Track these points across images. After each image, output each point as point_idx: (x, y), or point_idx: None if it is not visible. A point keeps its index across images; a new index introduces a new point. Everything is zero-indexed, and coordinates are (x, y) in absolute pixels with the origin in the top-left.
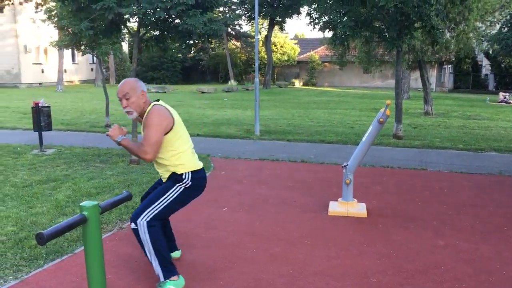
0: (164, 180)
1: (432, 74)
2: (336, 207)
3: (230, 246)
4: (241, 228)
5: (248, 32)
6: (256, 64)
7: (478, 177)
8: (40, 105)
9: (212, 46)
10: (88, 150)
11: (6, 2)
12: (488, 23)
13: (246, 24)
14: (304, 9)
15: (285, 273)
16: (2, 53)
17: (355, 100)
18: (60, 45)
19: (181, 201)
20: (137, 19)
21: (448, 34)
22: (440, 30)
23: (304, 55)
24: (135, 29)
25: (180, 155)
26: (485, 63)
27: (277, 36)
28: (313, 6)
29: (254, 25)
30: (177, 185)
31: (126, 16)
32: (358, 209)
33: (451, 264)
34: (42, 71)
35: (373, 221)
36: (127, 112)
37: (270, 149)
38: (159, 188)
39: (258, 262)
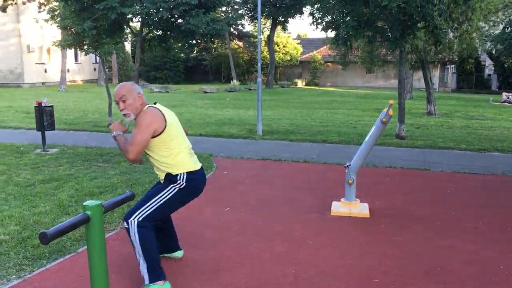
0: (161, 181)
1: (435, 74)
2: (338, 207)
3: (233, 246)
4: (244, 228)
5: (250, 32)
6: (259, 64)
7: (481, 178)
8: (43, 104)
9: (215, 46)
10: (90, 149)
11: (10, 2)
12: (491, 23)
13: (248, 24)
14: (307, 9)
15: (288, 273)
16: (5, 53)
17: (357, 100)
18: (63, 44)
19: (176, 202)
20: (140, 19)
21: (451, 34)
22: (443, 30)
23: (307, 55)
24: (138, 29)
25: (175, 155)
26: (488, 63)
27: (280, 36)
28: (316, 6)
29: (256, 25)
30: (171, 186)
31: (129, 16)
32: (361, 209)
33: (454, 265)
34: (45, 71)
35: (376, 221)
36: (124, 114)
37: (273, 149)
38: (153, 188)
39: (261, 262)
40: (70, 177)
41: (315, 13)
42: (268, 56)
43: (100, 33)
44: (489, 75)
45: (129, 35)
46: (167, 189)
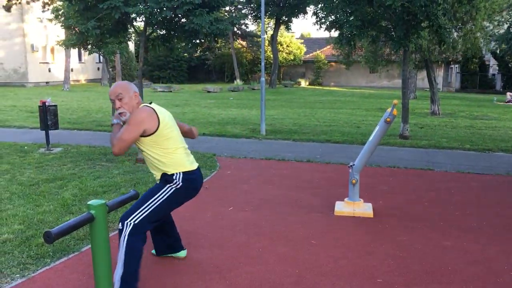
0: (157, 181)
1: (439, 74)
2: (342, 207)
3: (237, 246)
4: (247, 228)
5: (254, 32)
6: (262, 64)
7: (485, 178)
8: (47, 104)
9: (218, 45)
10: (94, 149)
11: (14, 2)
12: (495, 23)
13: (252, 24)
14: (311, 9)
15: (291, 273)
16: (9, 52)
17: (361, 100)
18: (67, 44)
19: (172, 202)
20: (144, 19)
21: (455, 34)
22: (447, 30)
23: (310, 54)
24: (142, 29)
25: (170, 154)
26: (493, 62)
27: (283, 36)
28: (320, 6)
29: (260, 24)
30: (167, 186)
31: (133, 15)
32: (365, 209)
33: (458, 265)
34: (49, 70)
35: (379, 221)
36: (120, 113)
37: (276, 148)
38: (150, 189)
39: (265, 262)
40: (74, 176)
41: (319, 12)
42: (271, 55)
43: (103, 33)
44: (493, 75)
45: (133, 34)
46: (164, 189)
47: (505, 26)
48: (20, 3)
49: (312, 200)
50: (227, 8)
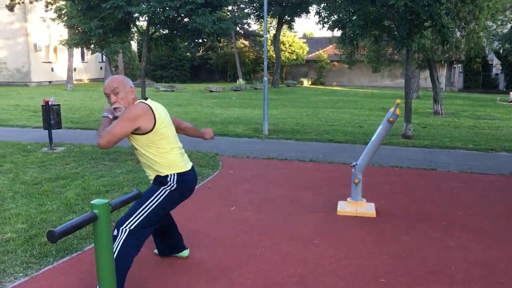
0: (150, 180)
1: (442, 74)
2: (345, 207)
3: (239, 245)
4: (250, 227)
5: (256, 31)
6: (265, 63)
7: (488, 178)
8: (50, 103)
9: (221, 45)
10: (97, 148)
11: (17, 1)
12: (499, 22)
13: (254, 23)
14: (313, 8)
15: (294, 273)
16: (12, 52)
17: (363, 100)
18: (70, 44)
19: (168, 204)
20: (147, 18)
21: (458, 33)
22: (450, 29)
23: (313, 54)
24: (144, 28)
25: (164, 154)
26: (496, 62)
27: (286, 35)
28: (322, 5)
29: (262, 24)
30: (162, 188)
31: (136, 15)
32: (367, 209)
33: (461, 265)
34: (52, 70)
35: (382, 221)
36: (115, 108)
37: (279, 148)
38: (144, 192)
39: (268, 261)
40: (76, 176)
41: (322, 12)
42: (274, 55)
43: (106, 32)
44: (497, 74)
45: (136, 34)
46: (158, 192)
47: (509, 25)
48: (23, 2)
49: (314, 200)
50: (230, 8)
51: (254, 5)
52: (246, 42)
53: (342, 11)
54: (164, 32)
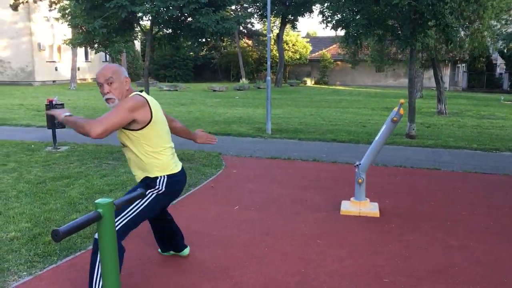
0: (137, 180)
1: (446, 73)
2: (348, 207)
3: (242, 245)
4: (253, 227)
5: (260, 31)
6: (268, 63)
7: (492, 178)
8: (53, 102)
9: (224, 44)
10: (100, 147)
11: (21, 0)
12: (503, 22)
13: (258, 23)
14: (317, 7)
15: (297, 273)
16: (16, 51)
17: (367, 99)
18: (74, 43)
19: (154, 207)
20: (150, 18)
21: (462, 33)
22: (454, 29)
23: (316, 53)
24: (148, 28)
25: (156, 155)
26: (500, 62)
27: (289, 35)
28: (326, 4)
29: (266, 23)
30: (149, 192)
31: (139, 14)
32: (371, 208)
33: (464, 265)
34: (56, 69)
35: (385, 221)
36: (108, 99)
37: (282, 147)
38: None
39: (270, 261)
40: (80, 175)
41: (325, 11)
42: (277, 54)
43: (110, 32)
44: (501, 74)
45: (139, 33)
46: (146, 195)
47: None
48: (27, 2)
49: (318, 200)
50: (233, 7)
51: (258, 4)
52: (250, 42)
53: (346, 11)
54: (167, 32)
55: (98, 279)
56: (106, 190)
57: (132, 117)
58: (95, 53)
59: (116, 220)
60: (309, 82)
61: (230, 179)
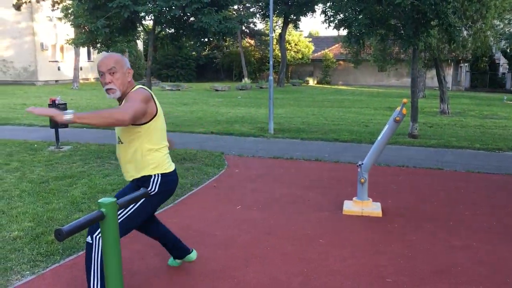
0: (129, 179)
1: (449, 73)
2: (351, 206)
3: (244, 245)
4: (255, 227)
5: (262, 30)
6: (271, 62)
7: (495, 177)
8: (56, 102)
9: (226, 44)
10: (103, 147)
11: (24, 0)
12: (506, 21)
13: (260, 22)
14: (319, 7)
15: (299, 272)
16: (19, 51)
17: (369, 99)
18: (77, 43)
19: (147, 208)
20: (153, 17)
21: (465, 32)
22: (457, 28)
23: (319, 53)
24: (151, 27)
25: (154, 152)
26: (503, 61)
27: (292, 34)
28: (328, 4)
29: (268, 23)
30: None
31: (142, 14)
32: (373, 208)
33: (467, 265)
34: (59, 69)
35: (388, 220)
36: (109, 89)
37: (284, 147)
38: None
39: (273, 261)
40: (83, 174)
41: (328, 11)
42: (279, 54)
43: (113, 32)
44: (504, 73)
45: (142, 33)
46: None
47: None
48: (30, 1)
49: (320, 199)
50: (236, 7)
51: (260, 4)
52: (252, 41)
53: (348, 10)
54: (170, 31)
55: (96, 281)
56: (109, 189)
57: (146, 108)
58: (98, 52)
59: None
60: (312, 81)
61: (232, 179)
